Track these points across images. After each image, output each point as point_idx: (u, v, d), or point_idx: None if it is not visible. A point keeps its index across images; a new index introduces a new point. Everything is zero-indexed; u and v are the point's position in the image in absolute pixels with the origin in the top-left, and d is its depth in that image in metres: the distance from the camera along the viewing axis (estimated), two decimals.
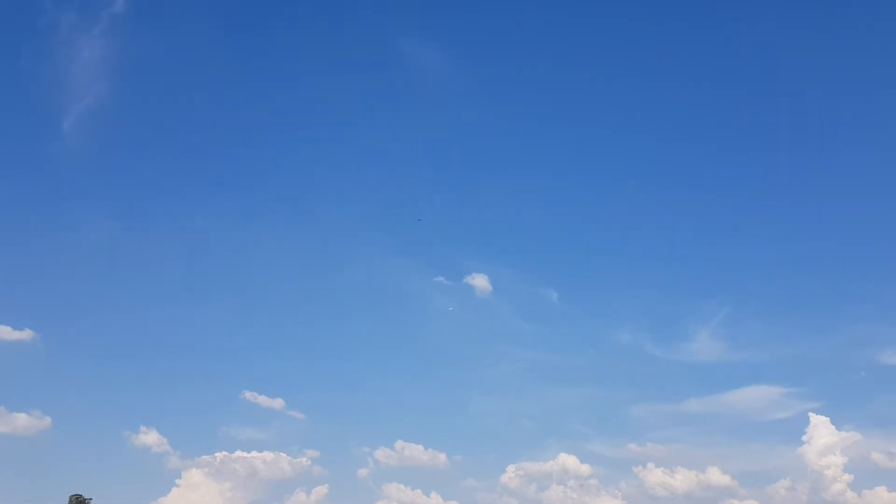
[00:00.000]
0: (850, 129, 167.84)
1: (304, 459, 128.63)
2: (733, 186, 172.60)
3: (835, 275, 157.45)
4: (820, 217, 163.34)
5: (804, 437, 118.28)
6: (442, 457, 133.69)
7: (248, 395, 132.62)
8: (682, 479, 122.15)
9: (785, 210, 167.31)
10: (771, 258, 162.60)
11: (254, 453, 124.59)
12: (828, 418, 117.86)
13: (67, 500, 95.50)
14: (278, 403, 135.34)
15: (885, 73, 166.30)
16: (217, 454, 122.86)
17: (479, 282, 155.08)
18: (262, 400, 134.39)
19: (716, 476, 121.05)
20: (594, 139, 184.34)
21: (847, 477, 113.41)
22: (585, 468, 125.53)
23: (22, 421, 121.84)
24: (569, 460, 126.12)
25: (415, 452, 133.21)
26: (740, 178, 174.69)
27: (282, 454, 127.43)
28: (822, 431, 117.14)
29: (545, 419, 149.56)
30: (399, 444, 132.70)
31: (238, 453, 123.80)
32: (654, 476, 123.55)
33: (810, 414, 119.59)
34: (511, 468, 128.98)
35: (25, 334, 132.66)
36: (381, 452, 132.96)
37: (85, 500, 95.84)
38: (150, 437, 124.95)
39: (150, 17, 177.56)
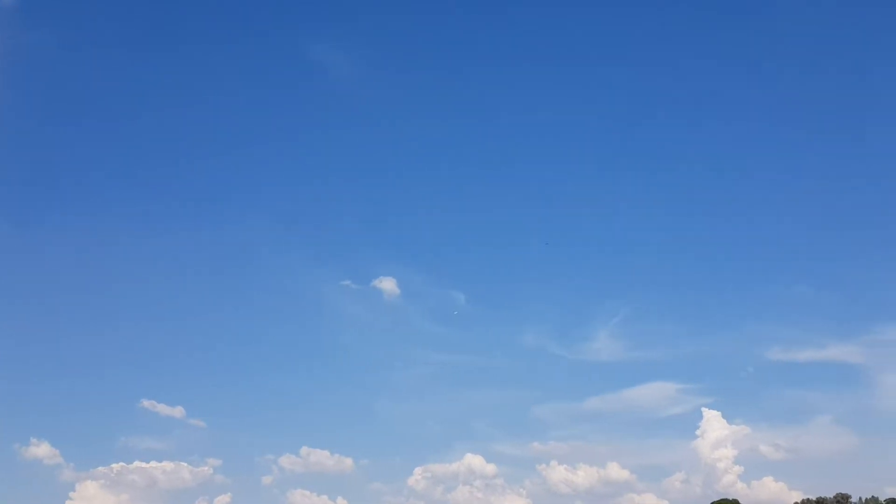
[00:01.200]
0: (739, 142, 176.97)
1: (206, 468, 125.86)
2: (631, 195, 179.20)
3: (727, 276, 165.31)
4: (712, 222, 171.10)
5: (698, 432, 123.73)
6: (348, 461, 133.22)
7: (146, 403, 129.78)
8: (584, 476, 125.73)
9: (679, 215, 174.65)
10: (667, 260, 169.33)
11: (153, 463, 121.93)
12: (719, 413, 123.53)
13: None
14: (178, 412, 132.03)
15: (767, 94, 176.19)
16: (114, 465, 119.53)
17: (387, 285, 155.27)
18: (162, 408, 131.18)
19: (615, 471, 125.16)
20: (502, 143, 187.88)
21: (737, 469, 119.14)
22: (491, 468, 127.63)
23: None
24: (475, 461, 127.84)
25: (321, 458, 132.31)
26: (637, 188, 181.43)
27: (182, 463, 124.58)
28: (714, 426, 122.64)
29: (452, 421, 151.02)
30: (304, 450, 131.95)
31: (136, 464, 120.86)
32: (557, 473, 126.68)
33: (703, 409, 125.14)
34: (418, 470, 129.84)
35: None
36: (286, 459, 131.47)
37: None
38: (41, 450, 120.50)
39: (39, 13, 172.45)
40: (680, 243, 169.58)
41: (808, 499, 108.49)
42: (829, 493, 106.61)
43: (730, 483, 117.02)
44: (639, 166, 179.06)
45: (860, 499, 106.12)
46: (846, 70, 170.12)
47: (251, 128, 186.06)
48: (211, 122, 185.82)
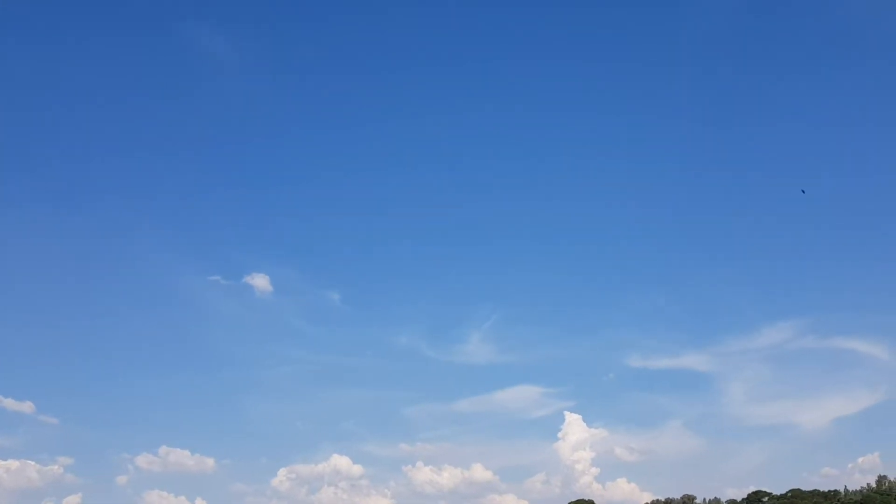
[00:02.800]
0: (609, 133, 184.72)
1: (56, 467, 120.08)
2: (505, 196, 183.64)
3: (593, 286, 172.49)
4: (581, 235, 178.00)
5: (560, 434, 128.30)
6: (210, 461, 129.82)
7: None
8: (449, 476, 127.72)
9: (550, 227, 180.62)
10: (538, 268, 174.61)
11: None
12: (580, 416, 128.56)
13: None
14: (27, 407, 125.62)
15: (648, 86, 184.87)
16: None
17: (260, 282, 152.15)
18: (9, 403, 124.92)
19: (479, 472, 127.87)
20: (385, 137, 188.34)
21: (594, 470, 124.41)
22: (358, 469, 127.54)
23: None
24: (341, 461, 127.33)
25: (180, 458, 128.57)
26: (512, 188, 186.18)
27: (30, 462, 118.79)
28: (575, 428, 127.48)
29: (320, 421, 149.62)
30: (163, 449, 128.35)
31: None
32: (423, 474, 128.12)
33: (566, 412, 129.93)
34: (283, 471, 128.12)
35: None
36: (143, 458, 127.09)
37: None
38: None
39: None
40: (551, 253, 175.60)
41: (657, 500, 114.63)
42: (677, 494, 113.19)
43: (587, 484, 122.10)
44: (515, 176, 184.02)
45: (704, 499, 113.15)
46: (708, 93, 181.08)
47: (121, 115, 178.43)
48: (74, 99, 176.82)
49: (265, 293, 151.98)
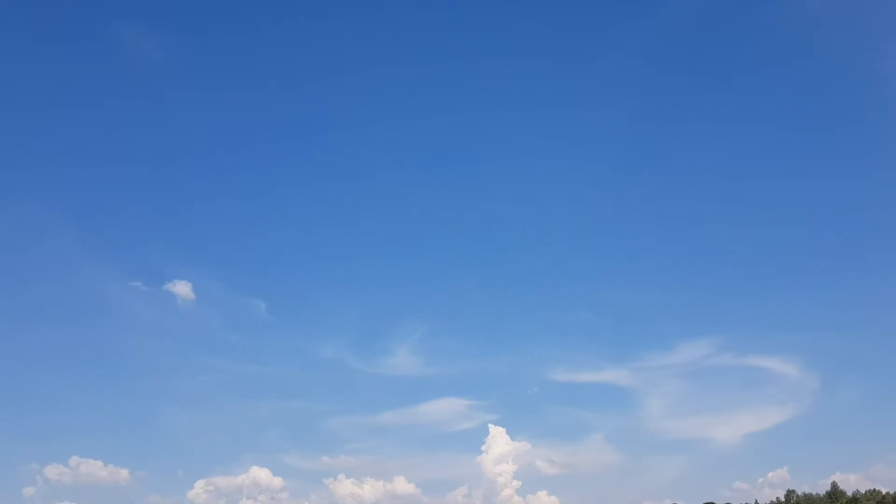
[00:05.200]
0: (537, 175, 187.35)
1: None
2: (434, 208, 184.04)
3: (519, 301, 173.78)
4: (508, 250, 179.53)
5: (483, 447, 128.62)
6: (124, 473, 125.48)
7: None
8: (371, 489, 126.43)
9: (477, 242, 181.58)
10: (465, 281, 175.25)
11: None
12: (504, 429, 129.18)
13: None
14: None
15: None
16: None
17: (182, 289, 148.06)
18: None
19: (402, 485, 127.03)
20: (313, 145, 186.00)
21: (516, 483, 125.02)
22: (278, 481, 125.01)
23: None
24: (261, 474, 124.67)
25: (93, 468, 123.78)
26: (440, 200, 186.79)
27: None
28: (498, 441, 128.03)
29: (241, 432, 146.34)
30: (74, 459, 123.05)
31: None
32: (344, 487, 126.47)
33: (490, 425, 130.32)
34: (200, 483, 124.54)
35: None
36: (53, 469, 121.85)
37: None
38: None
39: None
40: (479, 266, 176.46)
41: None
42: None
43: (508, 497, 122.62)
44: (443, 187, 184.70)
45: None
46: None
47: (40, 116, 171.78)
48: None
49: (187, 301, 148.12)
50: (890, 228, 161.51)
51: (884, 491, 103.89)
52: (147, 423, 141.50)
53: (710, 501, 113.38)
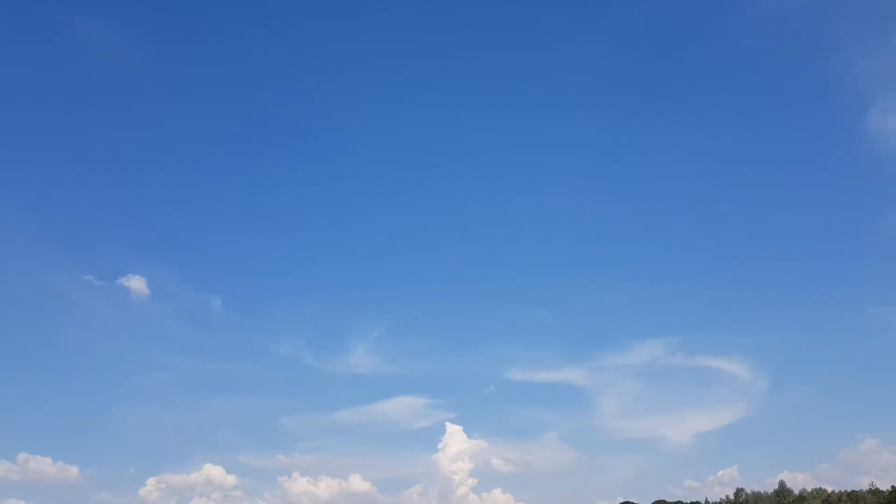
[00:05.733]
0: (501, 175, 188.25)
1: None
2: (393, 207, 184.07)
3: (478, 299, 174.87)
4: (467, 249, 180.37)
5: (440, 445, 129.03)
6: (73, 470, 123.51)
7: None
8: (326, 487, 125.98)
9: (437, 240, 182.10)
10: (425, 280, 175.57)
11: None
12: (461, 427, 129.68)
13: None
14: None
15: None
16: None
17: (136, 284, 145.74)
18: None
19: (357, 483, 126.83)
20: (274, 138, 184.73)
21: (472, 481, 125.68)
22: (231, 479, 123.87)
23: None
24: (215, 472, 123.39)
25: (41, 465, 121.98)
26: (399, 199, 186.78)
27: None
28: (455, 439, 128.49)
29: (194, 429, 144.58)
30: (22, 456, 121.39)
31: None
32: (299, 485, 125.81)
33: (447, 423, 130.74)
34: (152, 481, 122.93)
35: None
36: (0, 466, 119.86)
37: None
38: None
39: None
40: (438, 265, 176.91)
41: None
42: None
43: (463, 494, 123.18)
44: (402, 187, 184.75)
45: None
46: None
47: None
48: None
49: (141, 296, 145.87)
50: (838, 234, 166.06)
51: (829, 489, 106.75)
52: (98, 420, 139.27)
53: (661, 499, 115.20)
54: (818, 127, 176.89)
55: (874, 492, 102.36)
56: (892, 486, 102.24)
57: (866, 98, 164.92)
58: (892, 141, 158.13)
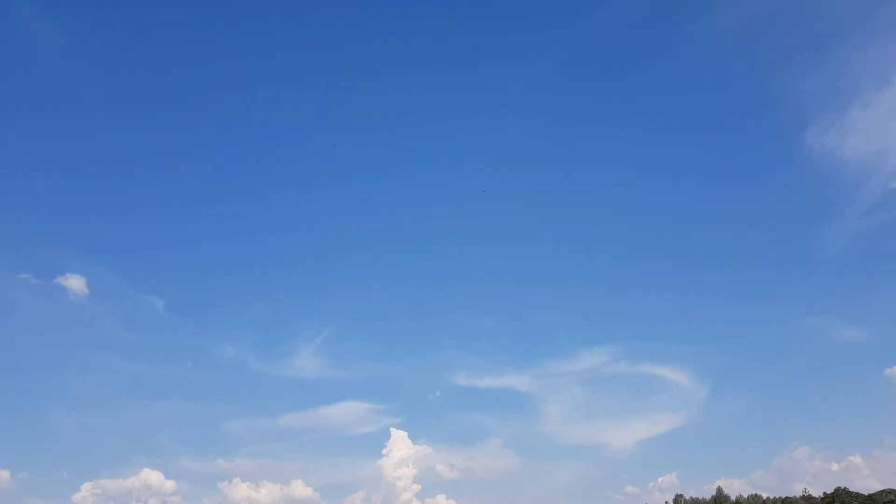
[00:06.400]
0: (450, 182, 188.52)
1: None
2: (341, 209, 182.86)
3: (425, 305, 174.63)
4: (414, 254, 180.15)
5: (384, 451, 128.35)
6: (5, 474, 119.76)
7: None
8: (267, 493, 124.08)
9: (384, 246, 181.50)
10: (372, 284, 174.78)
11: None
12: (406, 433, 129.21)
13: None
14: None
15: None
16: None
17: (75, 283, 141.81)
18: None
19: (299, 489, 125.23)
20: (221, 139, 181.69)
21: (416, 487, 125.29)
22: (170, 484, 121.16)
23: None
24: (153, 476, 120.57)
25: None
26: (347, 202, 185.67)
27: None
28: (400, 445, 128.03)
29: (132, 434, 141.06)
30: None
31: None
32: (240, 491, 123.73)
33: (392, 429, 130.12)
34: (87, 486, 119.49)
35: None
36: None
37: None
38: None
39: None
40: (386, 270, 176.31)
41: None
42: None
43: (407, 501, 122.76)
44: (351, 190, 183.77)
45: None
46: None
47: None
48: None
49: (80, 295, 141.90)
50: (775, 247, 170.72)
51: (764, 496, 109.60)
52: (31, 423, 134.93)
53: None
54: (759, 142, 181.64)
55: (807, 498, 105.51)
56: (824, 493, 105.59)
57: (805, 115, 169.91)
58: (829, 157, 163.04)
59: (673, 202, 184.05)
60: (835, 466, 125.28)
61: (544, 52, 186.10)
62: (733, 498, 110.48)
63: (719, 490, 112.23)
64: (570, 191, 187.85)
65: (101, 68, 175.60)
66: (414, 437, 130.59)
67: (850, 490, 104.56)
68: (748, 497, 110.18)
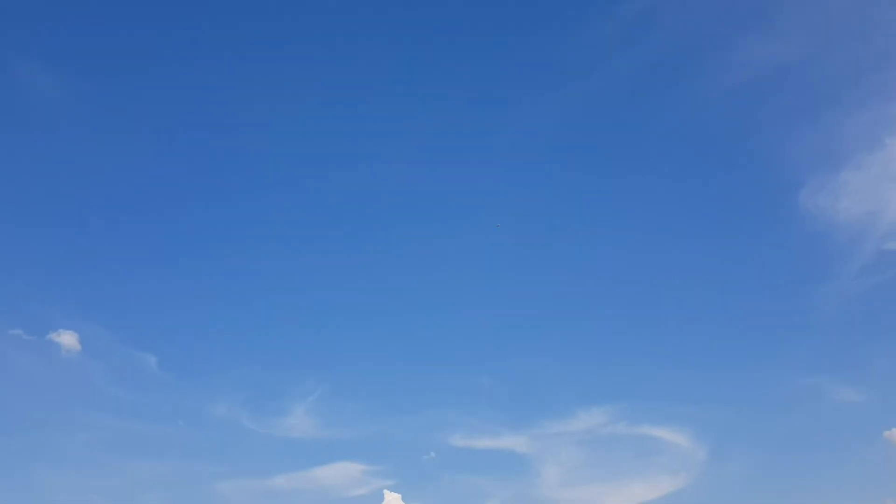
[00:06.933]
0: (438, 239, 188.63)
1: None
2: (333, 269, 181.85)
3: (420, 362, 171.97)
4: (411, 313, 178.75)
5: None
6: None
7: None
8: None
9: (380, 302, 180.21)
10: (366, 340, 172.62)
11: None
12: (400, 495, 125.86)
13: None
14: None
15: None
16: None
17: (67, 339, 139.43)
18: None
19: None
20: (208, 194, 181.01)
21: None
22: None
23: None
24: None
25: None
26: (338, 260, 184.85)
27: None
28: None
29: (118, 494, 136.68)
30: None
31: None
32: None
33: (385, 491, 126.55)
34: None
35: None
36: None
37: None
38: None
39: None
40: (380, 327, 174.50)
41: None
42: None
43: None
44: (342, 254, 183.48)
45: None
46: None
47: None
48: None
49: (72, 352, 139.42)
50: (770, 308, 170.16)
51: None
52: (14, 483, 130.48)
53: None
54: (753, 203, 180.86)
55: None
56: None
57: (798, 176, 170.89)
58: (822, 218, 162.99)
59: (668, 263, 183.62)
60: None
61: (536, 112, 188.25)
62: None
63: None
64: (565, 250, 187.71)
65: (97, 123, 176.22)
66: (408, 500, 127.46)
67: None
68: None
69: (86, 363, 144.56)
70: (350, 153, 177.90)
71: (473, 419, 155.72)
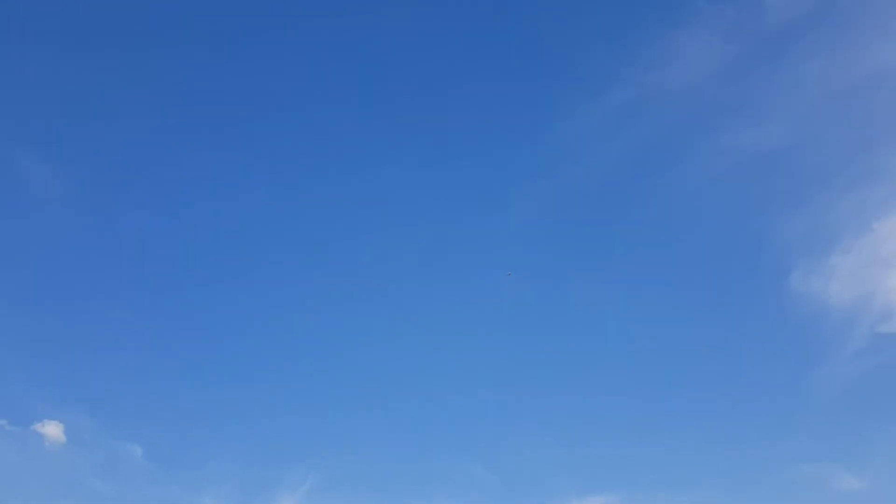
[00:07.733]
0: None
1: None
2: (324, 354, 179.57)
3: (413, 452, 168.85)
4: (403, 405, 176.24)
5: None
6: None
7: None
8: None
9: (369, 382, 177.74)
10: (356, 427, 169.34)
11: None
12: None
13: None
14: None
15: None
16: None
17: (52, 430, 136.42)
18: None
19: None
20: (205, 285, 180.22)
21: None
22: None
23: None
24: None
25: None
26: (329, 345, 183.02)
27: None
28: None
29: None
30: None
31: None
32: None
33: None
34: None
35: None
36: None
37: None
38: None
39: None
40: (371, 417, 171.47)
41: None
42: None
43: None
44: (332, 338, 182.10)
45: None
46: None
47: None
48: None
49: (56, 443, 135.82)
50: (767, 393, 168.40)
51: None
52: None
53: None
54: (745, 286, 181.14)
55: None
56: None
57: (789, 260, 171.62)
58: (814, 301, 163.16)
59: (662, 349, 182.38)
60: None
61: (523, 201, 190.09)
62: None
63: None
64: (557, 339, 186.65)
65: (76, 202, 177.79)
66: None
67: None
68: None
69: (70, 455, 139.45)
70: (332, 263, 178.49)
71: None
